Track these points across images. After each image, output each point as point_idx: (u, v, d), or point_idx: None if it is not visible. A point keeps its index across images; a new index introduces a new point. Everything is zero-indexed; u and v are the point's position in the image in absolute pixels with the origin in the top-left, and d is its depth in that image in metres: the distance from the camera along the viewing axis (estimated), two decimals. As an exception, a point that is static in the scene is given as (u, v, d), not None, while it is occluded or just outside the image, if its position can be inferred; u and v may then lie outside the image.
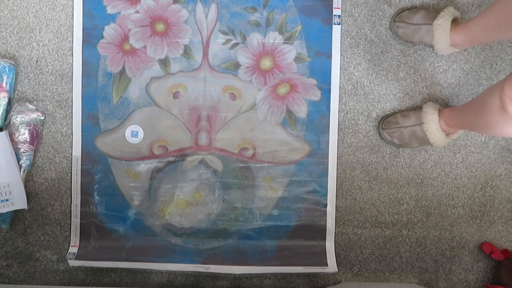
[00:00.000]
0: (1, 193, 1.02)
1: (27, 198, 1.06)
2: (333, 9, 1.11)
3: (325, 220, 1.11)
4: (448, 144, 1.12)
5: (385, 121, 1.10)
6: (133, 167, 1.10)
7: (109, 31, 1.10)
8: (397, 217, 1.13)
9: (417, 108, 1.10)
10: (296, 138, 1.11)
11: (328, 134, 1.11)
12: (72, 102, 1.10)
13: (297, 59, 1.11)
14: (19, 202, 1.05)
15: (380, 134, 1.11)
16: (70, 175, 1.10)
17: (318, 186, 1.11)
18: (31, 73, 1.09)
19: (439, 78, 1.13)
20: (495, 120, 0.81)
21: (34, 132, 1.06)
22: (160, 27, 1.10)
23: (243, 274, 1.10)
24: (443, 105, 1.12)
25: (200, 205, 1.11)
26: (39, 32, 1.09)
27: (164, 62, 1.10)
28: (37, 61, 1.09)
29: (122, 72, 1.10)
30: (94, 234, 1.09)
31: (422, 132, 1.05)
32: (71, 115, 1.10)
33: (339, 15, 1.12)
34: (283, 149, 1.11)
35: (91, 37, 1.09)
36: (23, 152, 1.06)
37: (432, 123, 1.03)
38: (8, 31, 1.09)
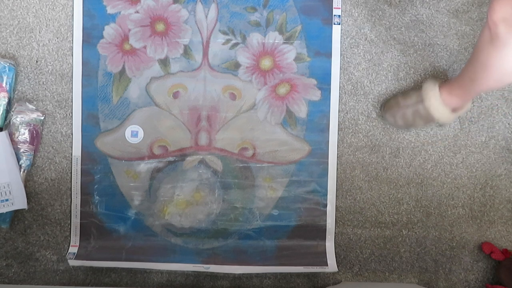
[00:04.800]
0: (1, 193, 1.02)
1: (27, 198, 1.06)
2: (333, 9, 1.11)
3: (325, 220, 1.11)
4: (448, 144, 1.12)
5: (386, 104, 1.09)
6: (133, 167, 1.10)
7: (109, 31, 1.10)
8: (397, 217, 1.13)
9: (417, 87, 1.08)
10: (296, 138, 1.11)
11: (328, 134, 1.11)
12: (72, 102, 1.10)
13: (297, 59, 1.11)
14: (19, 202, 1.05)
15: (383, 117, 1.10)
16: (70, 175, 1.10)
17: (318, 186, 1.11)
18: (31, 73, 1.09)
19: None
20: (489, 54, 0.80)
21: (34, 132, 1.06)
22: (160, 27, 1.10)
23: (243, 274, 1.10)
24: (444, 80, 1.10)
25: (200, 205, 1.11)
26: (39, 32, 1.09)
27: (164, 62, 1.10)
28: (37, 61, 1.09)
29: (122, 72, 1.10)
30: (94, 234, 1.09)
31: (424, 110, 1.02)
32: (71, 115, 1.10)
33: (339, 15, 1.12)
34: (283, 149, 1.11)
35: (91, 37, 1.09)
36: (23, 152, 1.06)
37: (434, 99, 0.99)
38: (8, 31, 1.09)
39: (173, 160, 1.10)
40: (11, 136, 1.05)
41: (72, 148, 1.10)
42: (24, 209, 1.06)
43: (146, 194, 1.10)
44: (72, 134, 1.10)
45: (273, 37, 1.11)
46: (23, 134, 1.05)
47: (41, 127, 1.08)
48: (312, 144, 1.11)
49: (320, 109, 1.11)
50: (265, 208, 1.11)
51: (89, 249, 1.08)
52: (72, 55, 1.10)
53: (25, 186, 1.07)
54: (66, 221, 1.10)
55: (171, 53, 1.10)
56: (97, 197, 1.09)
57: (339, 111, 1.12)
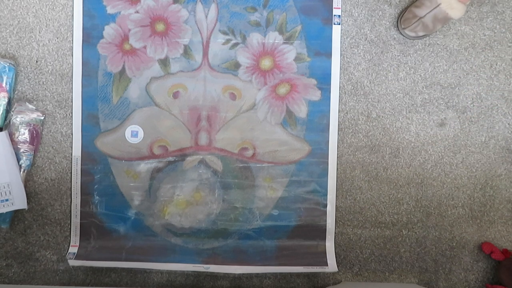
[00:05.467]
0: (1, 193, 1.02)
1: (27, 198, 1.06)
2: (333, 9, 1.11)
3: (325, 220, 1.11)
4: (448, 144, 1.12)
5: (402, 20, 1.10)
6: (133, 167, 1.10)
7: (109, 31, 1.10)
8: (397, 217, 1.13)
9: None
10: (296, 138, 1.11)
11: (328, 134, 1.11)
12: (72, 102, 1.10)
13: (297, 59, 1.11)
14: (19, 202, 1.05)
15: (402, 34, 1.11)
16: (70, 175, 1.10)
17: (318, 186, 1.11)
18: (31, 73, 1.09)
19: (439, 78, 1.13)
20: None
21: (34, 132, 1.07)
22: (160, 27, 1.10)
23: (243, 274, 1.10)
24: None
25: (200, 205, 1.11)
26: (39, 32, 1.09)
27: (164, 62, 1.10)
28: (37, 61, 1.09)
29: (122, 72, 1.10)
30: (94, 234, 1.09)
31: (441, 12, 1.03)
32: (71, 115, 1.10)
33: (339, 15, 1.12)
34: (283, 149, 1.11)
35: (91, 37, 1.09)
36: (23, 152, 1.06)
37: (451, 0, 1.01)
38: (8, 31, 1.09)
39: (173, 160, 1.10)
40: (11, 136, 1.05)
41: (72, 148, 1.10)
42: (24, 209, 1.06)
43: (146, 194, 1.10)
44: (72, 134, 1.10)
45: (273, 37, 1.11)
46: (23, 134, 1.05)
47: (41, 127, 1.08)
48: (312, 144, 1.11)
49: (320, 109, 1.11)
50: (265, 208, 1.11)
51: (89, 249, 1.08)
52: (72, 55, 1.10)
53: (25, 186, 1.07)
54: (66, 221, 1.10)
55: (171, 53, 1.10)
56: (97, 197, 1.09)
57: (339, 111, 1.12)
